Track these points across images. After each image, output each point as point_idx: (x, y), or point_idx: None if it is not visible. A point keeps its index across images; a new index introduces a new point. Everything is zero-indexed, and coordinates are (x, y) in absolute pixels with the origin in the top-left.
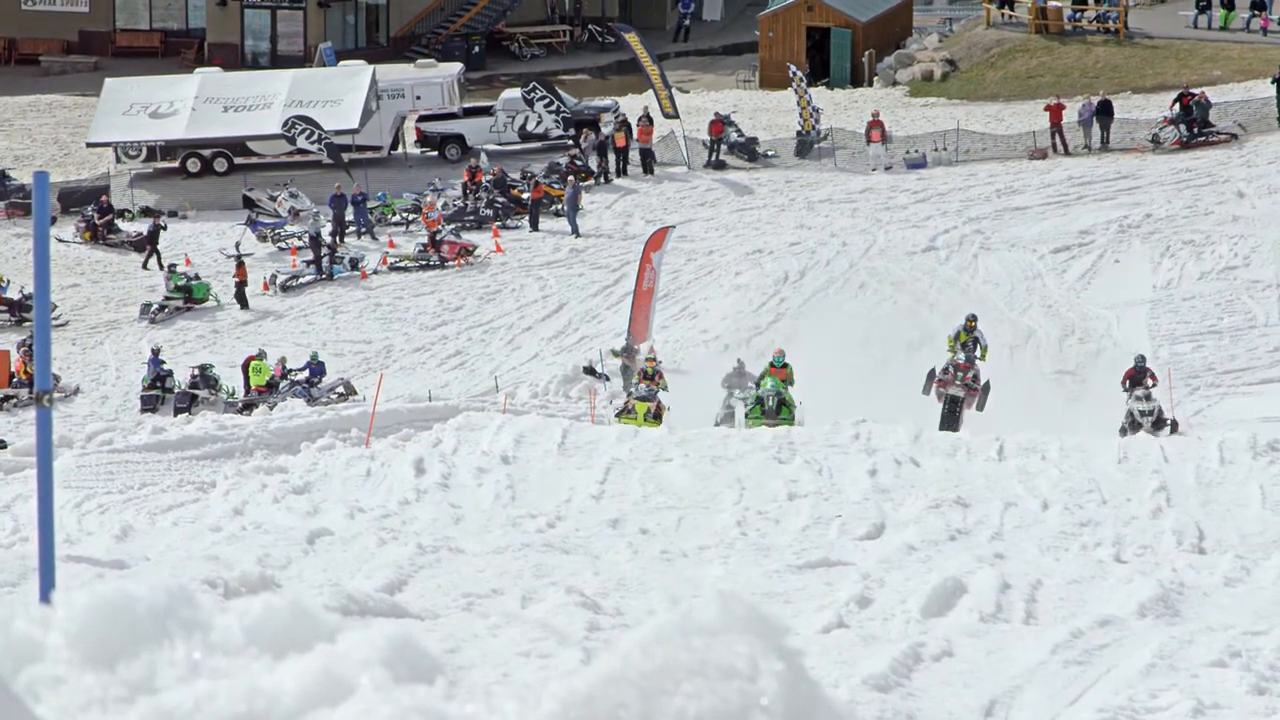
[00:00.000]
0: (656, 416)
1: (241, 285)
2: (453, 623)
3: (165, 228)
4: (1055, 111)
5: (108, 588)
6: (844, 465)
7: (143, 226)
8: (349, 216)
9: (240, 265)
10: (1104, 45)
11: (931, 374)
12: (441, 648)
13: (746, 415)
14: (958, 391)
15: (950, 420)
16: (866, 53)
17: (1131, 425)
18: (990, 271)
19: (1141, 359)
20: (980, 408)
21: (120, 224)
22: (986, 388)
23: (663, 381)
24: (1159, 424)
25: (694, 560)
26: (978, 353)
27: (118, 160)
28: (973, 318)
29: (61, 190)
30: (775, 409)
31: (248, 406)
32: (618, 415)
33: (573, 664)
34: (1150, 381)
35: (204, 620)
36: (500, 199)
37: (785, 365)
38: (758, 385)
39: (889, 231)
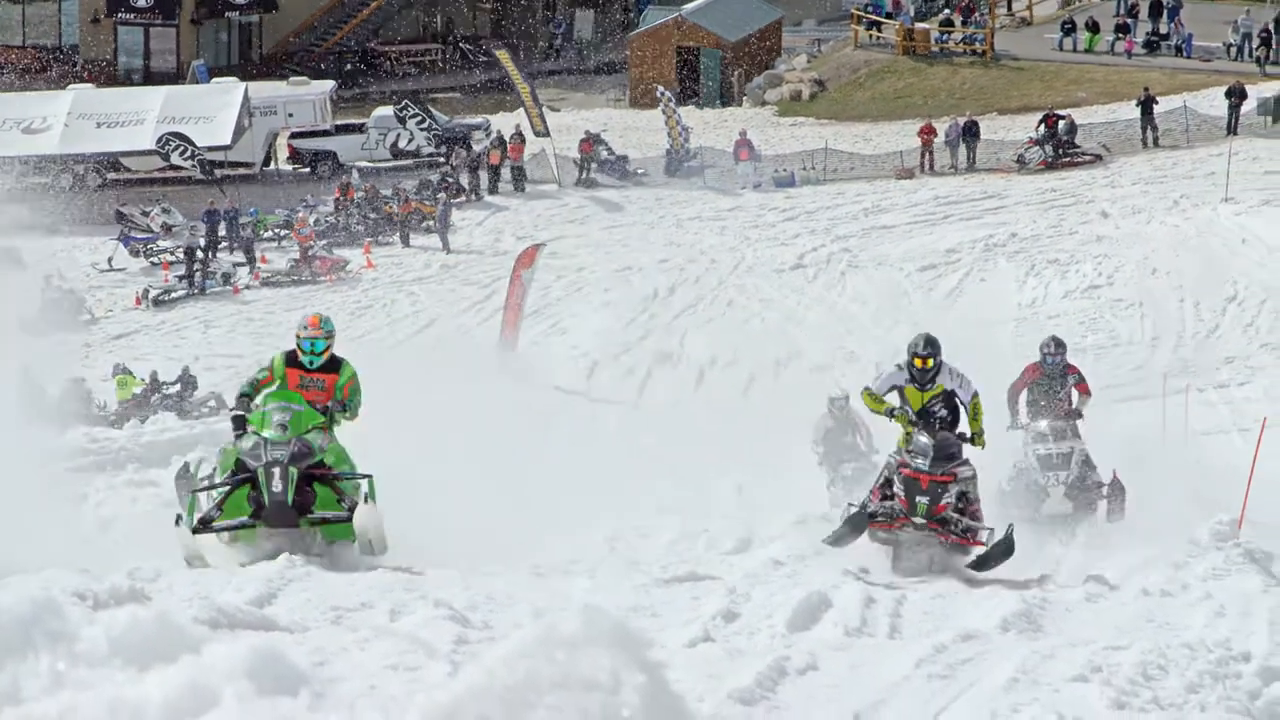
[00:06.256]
0: None
1: None
2: (321, 636)
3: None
4: (927, 131)
5: None
6: (711, 480)
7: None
8: (221, 232)
9: None
10: (970, 67)
11: (860, 514)
12: (309, 661)
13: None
14: (928, 539)
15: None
16: (736, 73)
17: (1030, 488)
18: (857, 289)
19: (1054, 347)
20: (1000, 556)
21: None
22: (1009, 543)
23: None
24: (1084, 487)
25: (563, 574)
26: (962, 424)
27: None
28: (928, 346)
29: None
30: (294, 507)
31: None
32: None
33: (440, 677)
34: (1075, 396)
35: (70, 631)
36: (372, 215)
37: (338, 365)
38: (257, 421)
39: (757, 249)
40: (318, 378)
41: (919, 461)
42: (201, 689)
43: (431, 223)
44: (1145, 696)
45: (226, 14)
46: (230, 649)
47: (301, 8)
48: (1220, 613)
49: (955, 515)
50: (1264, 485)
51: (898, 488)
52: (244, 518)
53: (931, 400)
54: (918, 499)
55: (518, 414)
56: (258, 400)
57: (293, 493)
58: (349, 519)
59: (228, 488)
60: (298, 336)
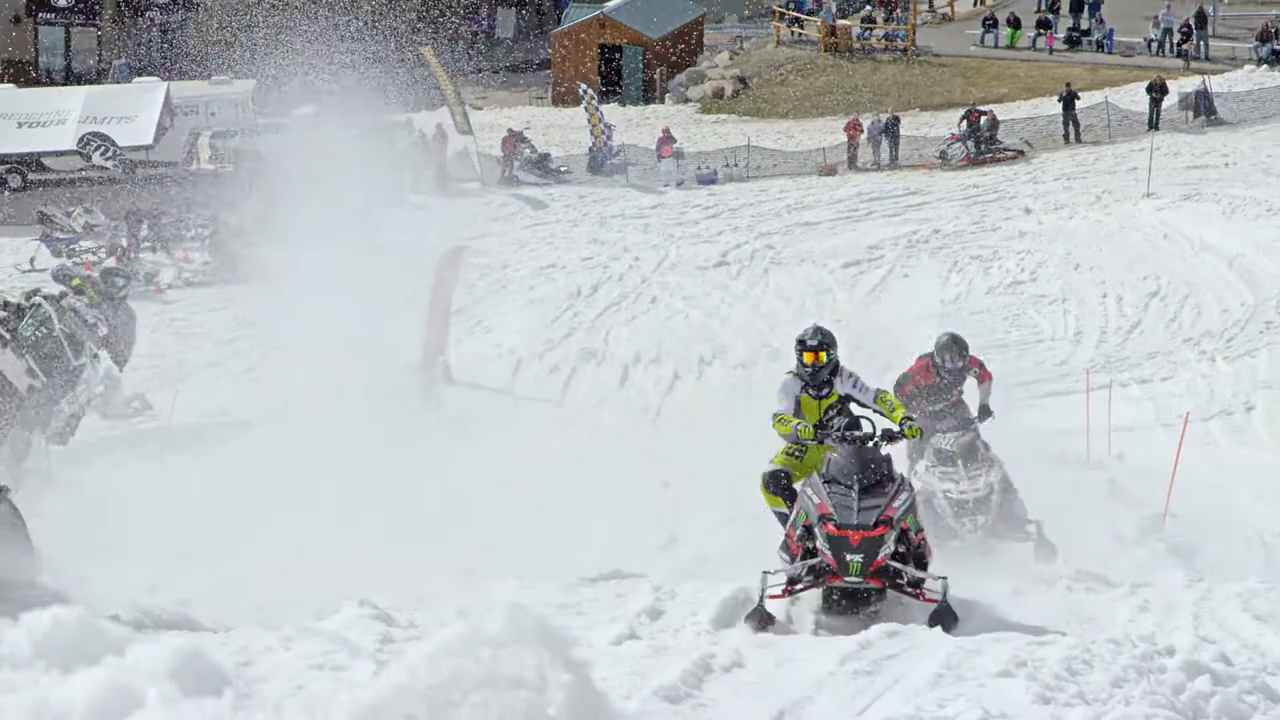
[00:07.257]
0: None
1: None
2: (246, 635)
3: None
4: (853, 127)
5: None
6: (637, 478)
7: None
8: (144, 232)
9: None
10: (893, 63)
11: (759, 611)
12: (234, 660)
13: None
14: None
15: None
16: (658, 70)
17: (939, 530)
18: (781, 286)
19: (951, 359)
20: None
21: None
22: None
23: None
24: (1008, 517)
25: (489, 573)
26: (877, 424)
27: None
28: (817, 334)
29: None
30: None
31: None
32: None
33: (365, 676)
34: (978, 387)
35: None
36: None
37: None
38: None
39: (680, 246)
40: None
41: (844, 512)
42: (125, 690)
43: None
44: (1070, 691)
45: (148, 13)
46: (154, 650)
47: (223, 7)
48: (1145, 607)
49: (897, 565)
50: (1187, 480)
51: (821, 543)
52: None
53: (829, 410)
54: (849, 558)
55: (440, 413)
56: None
57: None
58: None
59: None
60: None
